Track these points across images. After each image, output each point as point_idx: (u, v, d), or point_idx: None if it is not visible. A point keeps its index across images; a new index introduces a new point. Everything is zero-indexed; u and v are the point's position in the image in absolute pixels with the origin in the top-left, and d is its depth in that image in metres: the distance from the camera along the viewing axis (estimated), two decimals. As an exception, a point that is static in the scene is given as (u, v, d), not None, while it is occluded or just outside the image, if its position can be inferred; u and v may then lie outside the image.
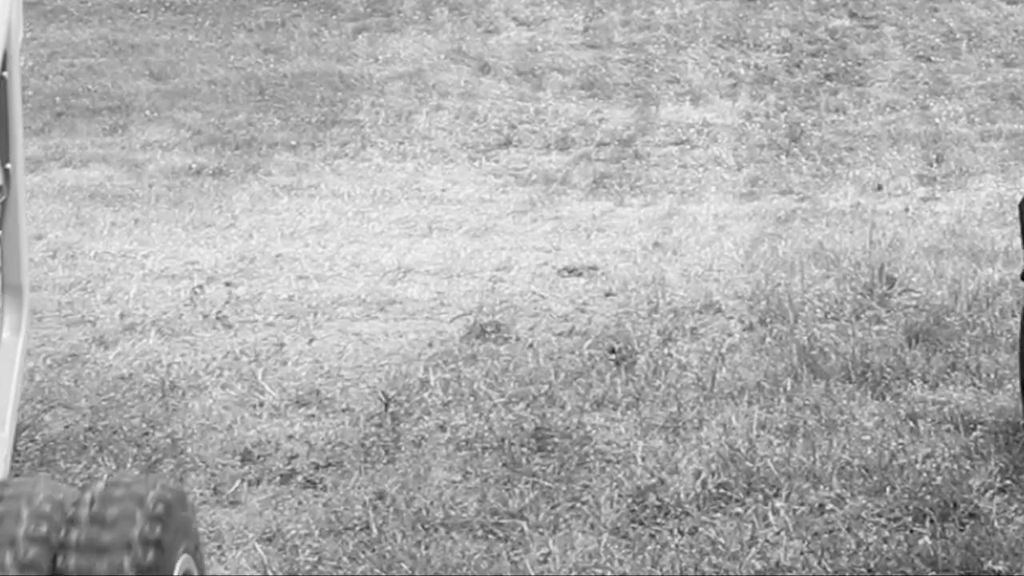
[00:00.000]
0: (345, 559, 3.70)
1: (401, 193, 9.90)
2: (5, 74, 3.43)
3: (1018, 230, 6.64)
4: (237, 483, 4.11)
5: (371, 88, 12.31)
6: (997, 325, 5.20)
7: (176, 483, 3.15)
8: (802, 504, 3.90)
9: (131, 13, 13.97)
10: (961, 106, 11.91)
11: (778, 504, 3.89)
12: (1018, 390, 4.57)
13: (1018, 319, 5.21)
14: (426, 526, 3.83)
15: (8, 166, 3.56)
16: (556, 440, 4.28)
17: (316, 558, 3.72)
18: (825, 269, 6.16)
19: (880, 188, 8.41)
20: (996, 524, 3.78)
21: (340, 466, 4.19)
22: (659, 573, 3.64)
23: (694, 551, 3.71)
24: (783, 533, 3.77)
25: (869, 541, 3.72)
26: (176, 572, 2.81)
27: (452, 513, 3.88)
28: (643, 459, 4.15)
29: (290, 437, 4.42)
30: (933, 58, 12.84)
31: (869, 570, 3.63)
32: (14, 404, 3.23)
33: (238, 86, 12.29)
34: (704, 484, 3.99)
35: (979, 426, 4.30)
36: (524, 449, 4.23)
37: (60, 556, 2.67)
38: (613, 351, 5.02)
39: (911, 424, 4.33)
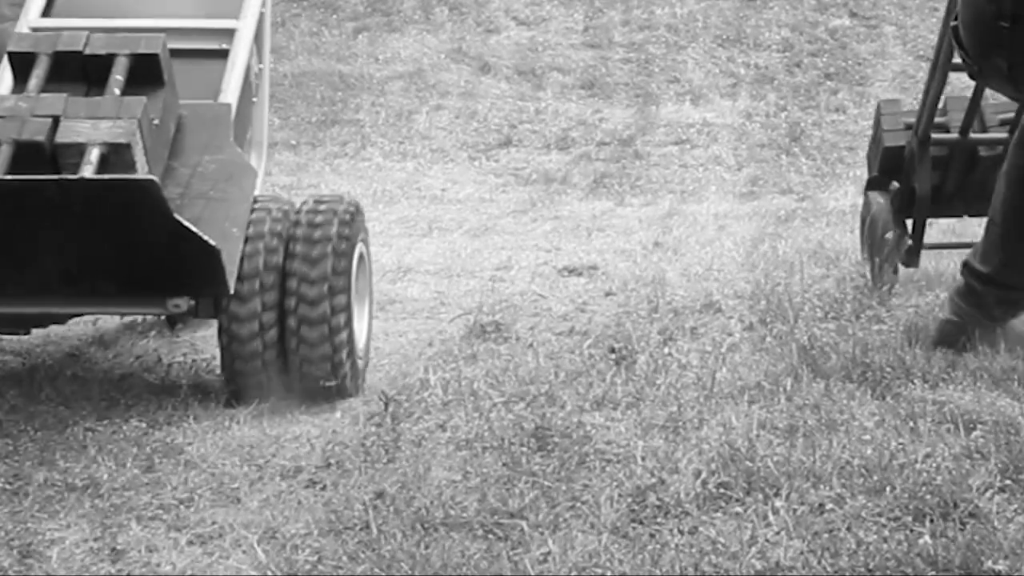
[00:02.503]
0: (345, 559, 3.70)
1: (401, 193, 9.91)
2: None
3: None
4: (236, 483, 4.11)
5: (371, 88, 12.32)
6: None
7: (355, 199, 4.59)
8: (802, 504, 3.90)
9: (131, 13, 13.97)
10: (961, 106, 11.91)
11: (778, 504, 3.89)
12: (1018, 388, 4.58)
13: (1018, 319, 5.22)
14: (426, 526, 3.83)
15: (261, 66, 4.84)
16: (556, 440, 4.28)
17: (316, 558, 3.72)
18: (825, 269, 6.16)
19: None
20: (996, 524, 3.78)
21: (340, 466, 4.20)
22: (659, 573, 3.64)
23: (694, 551, 3.71)
24: (783, 533, 3.77)
25: (869, 541, 3.72)
26: (355, 253, 4.42)
27: (452, 513, 3.88)
28: (643, 459, 4.15)
29: (290, 437, 4.42)
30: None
31: (869, 570, 3.63)
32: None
33: (238, 86, 12.28)
34: (704, 484, 3.99)
35: (979, 426, 4.30)
36: (524, 449, 4.23)
37: (290, 244, 4.26)
38: (613, 351, 5.02)
39: (911, 424, 4.33)
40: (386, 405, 4.56)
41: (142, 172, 3.93)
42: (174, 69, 4.19)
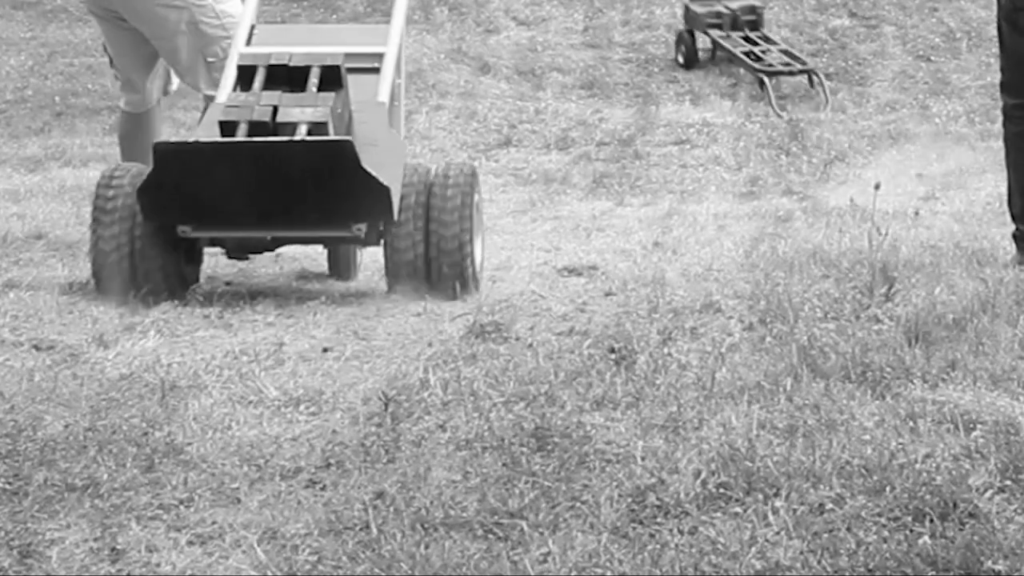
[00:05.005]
0: (345, 559, 3.70)
1: (401, 193, 9.87)
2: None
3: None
4: (236, 483, 4.11)
5: (371, 88, 12.29)
6: (997, 325, 5.20)
7: (473, 164, 6.29)
8: (802, 504, 3.90)
9: (131, 13, 13.96)
10: (961, 106, 11.92)
11: (778, 504, 3.89)
12: (1018, 388, 4.58)
13: (1019, 319, 5.22)
14: (426, 526, 3.83)
15: (399, 80, 6.28)
16: (556, 440, 4.28)
17: (316, 558, 3.72)
18: (825, 269, 6.16)
19: (878, 187, 8.40)
20: (996, 524, 3.78)
21: (340, 466, 4.20)
22: (659, 573, 3.64)
23: (694, 551, 3.71)
24: (783, 533, 3.77)
25: (869, 541, 3.72)
26: (473, 199, 5.88)
27: (452, 513, 3.88)
28: (643, 459, 4.15)
29: (290, 437, 4.43)
30: (933, 58, 12.85)
31: (869, 570, 3.63)
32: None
33: (238, 86, 12.28)
34: (704, 484, 3.99)
35: (979, 426, 4.30)
36: (524, 449, 4.23)
37: (430, 190, 5.77)
38: (613, 351, 5.02)
39: (911, 424, 4.33)
40: (386, 405, 4.56)
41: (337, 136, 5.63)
42: (347, 80, 5.86)
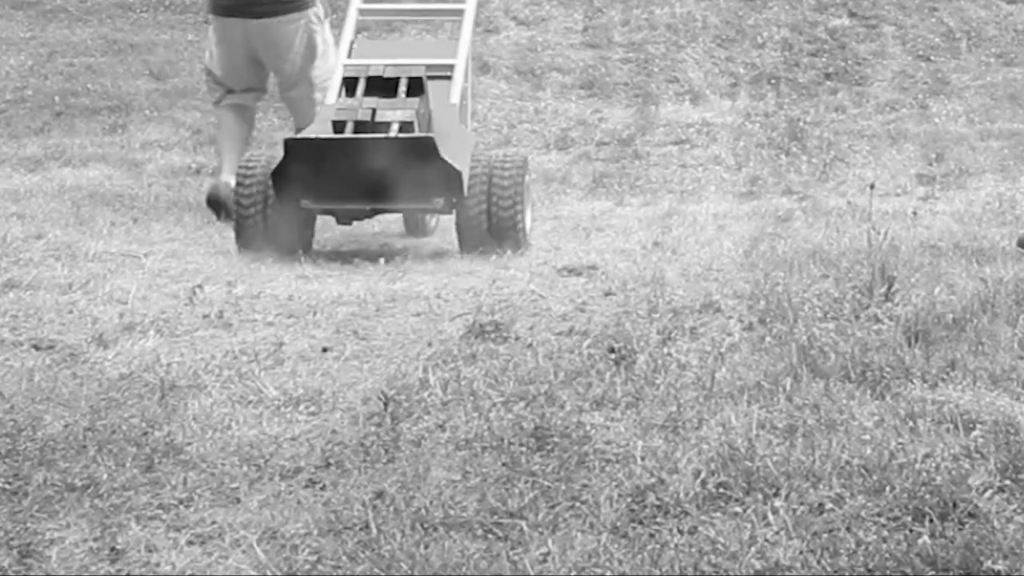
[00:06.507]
0: (344, 559, 3.71)
1: (401, 193, 9.87)
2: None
3: (1018, 228, 6.66)
4: (236, 483, 4.11)
5: (371, 88, 12.28)
6: (996, 325, 5.20)
7: (525, 153, 8.24)
8: (802, 504, 3.90)
9: (131, 13, 13.96)
10: (961, 106, 11.91)
11: (778, 504, 3.89)
12: (1018, 388, 4.58)
13: (1018, 319, 5.22)
14: (425, 526, 3.83)
15: (466, 84, 7.88)
16: (556, 440, 4.28)
17: (315, 558, 3.73)
18: (824, 269, 6.16)
19: (872, 187, 8.40)
20: (996, 524, 3.78)
21: (340, 466, 4.20)
22: (659, 573, 3.64)
23: (694, 551, 3.71)
24: (782, 533, 3.77)
25: (869, 541, 3.72)
26: (525, 179, 7.36)
27: (452, 513, 3.88)
28: (643, 459, 4.15)
29: (290, 437, 4.43)
30: (933, 58, 12.84)
31: (868, 570, 3.63)
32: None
33: (238, 85, 12.28)
34: (704, 484, 4.00)
35: (979, 426, 4.30)
36: (524, 449, 4.23)
37: (491, 172, 7.24)
38: (612, 350, 5.02)
39: (911, 424, 4.33)
40: (386, 405, 4.56)
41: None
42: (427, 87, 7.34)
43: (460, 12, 8.17)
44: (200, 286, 6.15)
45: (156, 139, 11.09)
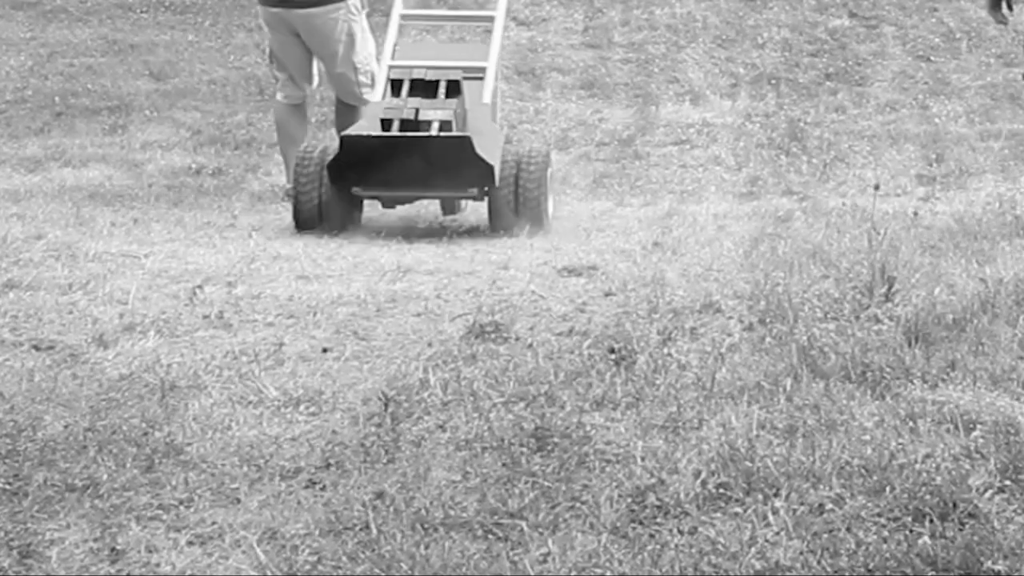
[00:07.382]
0: (344, 559, 3.71)
1: (401, 193, 9.86)
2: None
3: (1018, 227, 6.65)
4: (236, 483, 4.11)
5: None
6: (996, 325, 5.20)
7: (549, 147, 9.18)
8: (802, 504, 3.90)
9: (131, 13, 13.97)
10: (961, 106, 11.91)
11: (778, 504, 3.89)
12: (1018, 388, 4.59)
13: (1018, 319, 5.22)
14: (426, 526, 3.83)
15: (497, 83, 8.82)
16: (556, 440, 4.28)
17: (316, 558, 3.73)
18: (824, 269, 6.16)
19: (877, 187, 8.39)
20: (996, 524, 3.78)
21: (340, 466, 4.20)
22: (659, 573, 3.64)
23: (694, 551, 3.72)
24: (783, 533, 3.77)
25: (869, 541, 3.72)
26: (548, 170, 8.34)
27: (452, 513, 3.89)
28: (643, 459, 4.15)
29: (290, 437, 4.43)
30: (933, 58, 12.84)
31: (868, 570, 3.63)
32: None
33: (238, 86, 12.29)
34: (704, 484, 4.00)
35: (979, 426, 4.30)
36: (524, 449, 4.23)
37: (519, 164, 8.18)
38: (613, 351, 5.02)
39: (911, 424, 4.33)
40: (386, 405, 4.56)
41: (459, 132, 8.09)
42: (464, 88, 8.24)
43: (491, 19, 9.31)
44: (200, 286, 6.15)
45: (156, 139, 11.10)
